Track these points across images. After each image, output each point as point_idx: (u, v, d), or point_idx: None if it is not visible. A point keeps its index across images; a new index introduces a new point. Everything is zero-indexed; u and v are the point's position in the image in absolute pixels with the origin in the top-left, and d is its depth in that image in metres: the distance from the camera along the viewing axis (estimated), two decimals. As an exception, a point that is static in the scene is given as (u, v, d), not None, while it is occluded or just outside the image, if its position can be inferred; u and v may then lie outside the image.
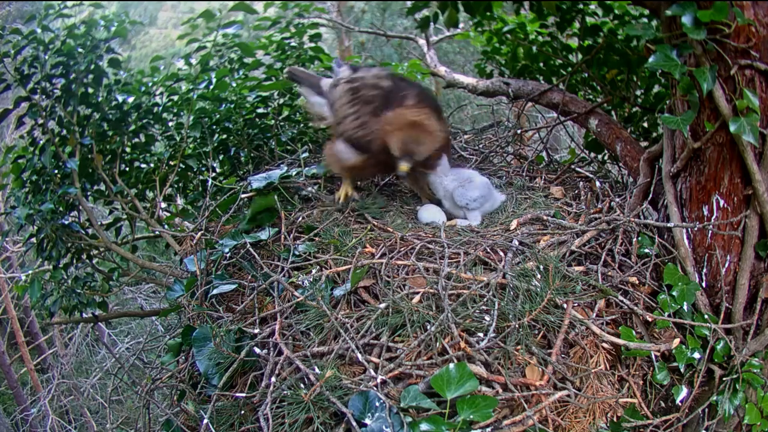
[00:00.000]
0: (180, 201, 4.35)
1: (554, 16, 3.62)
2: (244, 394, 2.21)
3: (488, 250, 2.57)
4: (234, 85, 3.84)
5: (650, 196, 2.84)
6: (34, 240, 3.72)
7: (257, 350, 2.29)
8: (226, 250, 2.70)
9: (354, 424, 1.94)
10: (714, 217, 2.57)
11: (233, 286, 2.61)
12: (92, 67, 3.38)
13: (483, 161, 3.74)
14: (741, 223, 2.52)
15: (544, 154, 3.84)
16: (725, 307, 2.54)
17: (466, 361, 2.11)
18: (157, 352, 4.19)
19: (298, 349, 2.27)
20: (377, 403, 1.99)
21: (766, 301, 2.57)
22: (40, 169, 3.50)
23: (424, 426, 1.94)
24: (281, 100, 4.04)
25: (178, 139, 3.85)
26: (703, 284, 2.62)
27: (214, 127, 3.94)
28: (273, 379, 2.14)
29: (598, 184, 3.16)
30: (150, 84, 3.82)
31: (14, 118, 3.60)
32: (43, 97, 3.37)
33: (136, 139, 3.91)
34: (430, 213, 3.01)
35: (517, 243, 2.59)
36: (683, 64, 2.37)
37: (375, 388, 2.04)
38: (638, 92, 3.57)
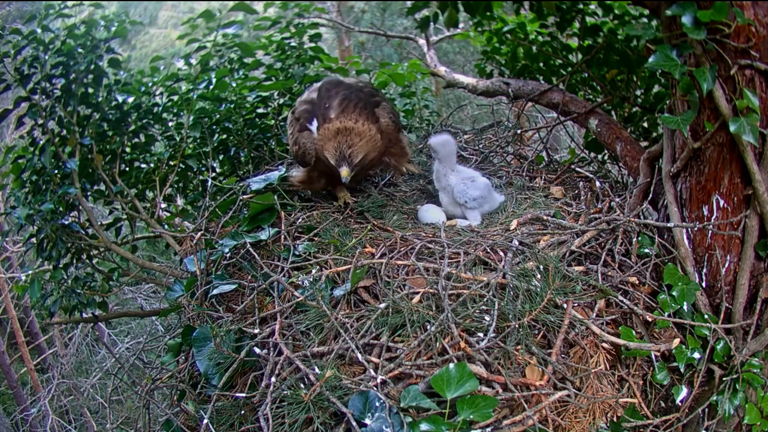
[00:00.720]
0: (180, 201, 4.35)
1: (554, 16, 3.62)
2: (244, 394, 2.21)
3: (488, 250, 2.57)
4: (234, 85, 3.84)
5: (650, 196, 2.83)
6: (34, 240, 3.72)
7: (257, 350, 2.29)
8: (226, 250, 2.70)
9: (354, 424, 1.95)
10: (714, 217, 2.57)
11: (233, 286, 2.61)
12: (92, 67, 3.38)
13: (483, 161, 3.74)
14: (741, 223, 2.52)
15: (544, 154, 3.85)
16: (725, 307, 2.54)
17: (466, 361, 2.11)
18: (157, 352, 4.19)
19: (298, 349, 2.27)
20: (377, 403, 1.99)
21: (766, 301, 2.57)
22: (40, 169, 3.50)
23: (424, 426, 1.94)
24: (281, 100, 4.04)
25: (178, 139, 3.85)
26: (703, 284, 2.62)
27: (214, 127, 3.94)
28: (273, 379, 2.14)
29: (598, 184, 3.16)
30: (150, 84, 3.82)
31: (14, 118, 3.60)
32: (43, 97, 3.37)
33: (136, 139, 3.91)
34: (430, 213, 3.02)
35: (517, 243, 2.59)
36: (683, 64, 2.37)
37: (375, 388, 2.04)
38: (638, 92, 3.57)
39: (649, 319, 2.43)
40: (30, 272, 4.13)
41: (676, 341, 2.43)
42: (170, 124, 3.96)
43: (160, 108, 3.86)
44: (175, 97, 3.85)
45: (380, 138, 2.87)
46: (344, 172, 2.72)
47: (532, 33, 3.95)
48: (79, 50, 3.31)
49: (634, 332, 2.39)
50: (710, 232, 2.58)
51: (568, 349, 2.34)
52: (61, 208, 3.58)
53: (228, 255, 2.73)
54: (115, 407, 8.48)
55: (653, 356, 2.43)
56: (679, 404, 2.45)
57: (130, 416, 7.84)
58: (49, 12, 3.28)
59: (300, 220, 2.84)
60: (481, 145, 3.93)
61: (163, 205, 4.14)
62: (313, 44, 4.01)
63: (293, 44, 3.96)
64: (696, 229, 2.61)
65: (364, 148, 2.77)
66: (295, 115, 3.02)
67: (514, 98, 3.79)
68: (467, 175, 3.07)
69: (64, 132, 3.49)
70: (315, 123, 2.88)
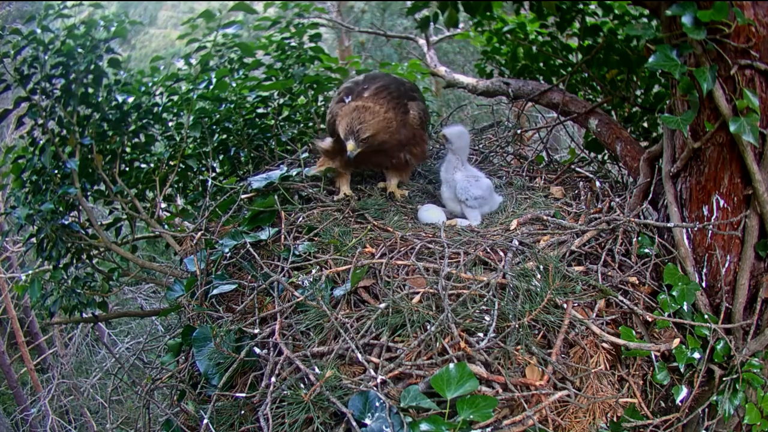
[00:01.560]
0: (180, 201, 4.35)
1: (554, 16, 3.62)
2: (244, 394, 2.21)
3: (488, 250, 2.57)
4: (234, 85, 3.84)
5: (650, 196, 2.84)
6: (34, 240, 3.72)
7: (257, 350, 2.29)
8: (226, 250, 2.70)
9: (354, 424, 1.95)
10: (714, 217, 2.57)
11: (233, 286, 2.61)
12: (92, 67, 3.38)
13: (483, 161, 3.74)
14: (741, 223, 2.52)
15: (544, 154, 3.85)
16: (725, 307, 2.54)
17: (466, 361, 2.11)
18: (157, 352, 4.19)
19: (298, 349, 2.27)
20: (377, 403, 1.99)
21: (766, 301, 2.57)
22: (40, 169, 3.50)
23: (424, 426, 1.94)
24: (281, 100, 4.04)
25: (178, 139, 3.85)
26: (703, 284, 2.62)
27: (214, 127, 3.94)
28: (273, 379, 2.14)
29: (598, 184, 3.16)
30: (150, 84, 3.82)
31: (14, 118, 3.60)
32: (43, 97, 3.37)
33: (136, 139, 3.91)
34: (430, 213, 3.02)
35: (517, 243, 2.59)
36: (683, 64, 2.37)
37: (375, 388, 2.04)
38: (638, 92, 3.57)
39: (649, 319, 2.43)
40: (30, 272, 4.13)
41: (676, 341, 2.43)
42: (170, 124, 3.96)
43: (160, 108, 3.85)
44: (175, 97, 3.84)
45: (396, 124, 2.94)
46: (350, 146, 2.81)
47: (532, 33, 3.95)
48: (79, 50, 3.31)
49: (634, 332, 2.39)
50: (710, 232, 2.58)
51: (568, 349, 2.34)
52: (61, 208, 3.58)
53: (228, 255, 2.73)
54: (115, 407, 8.48)
55: (653, 356, 2.43)
56: (679, 404, 2.45)
57: (130, 416, 7.85)
58: (49, 12, 3.28)
59: (300, 219, 2.84)
60: (481, 145, 3.93)
61: (163, 205, 4.14)
62: (313, 44, 4.01)
63: (293, 44, 3.95)
64: (696, 229, 2.61)
65: (373, 126, 2.84)
66: (338, 90, 3.20)
67: (514, 98, 3.79)
68: (472, 173, 3.08)
69: (64, 132, 3.49)
70: (350, 99, 3.00)
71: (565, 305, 2.32)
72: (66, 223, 3.67)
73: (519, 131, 3.96)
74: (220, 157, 4.13)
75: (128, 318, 9.23)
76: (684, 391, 2.44)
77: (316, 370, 2.13)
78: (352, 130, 2.80)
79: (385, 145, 2.98)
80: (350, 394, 2.03)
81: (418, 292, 2.34)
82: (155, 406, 2.84)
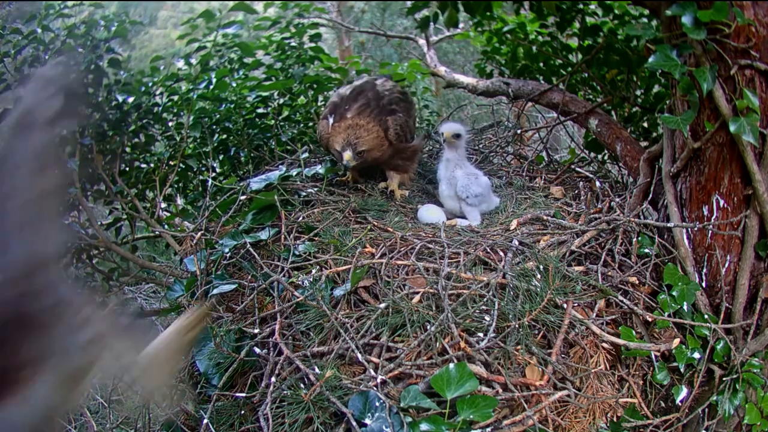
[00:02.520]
0: (180, 201, 4.35)
1: (554, 16, 3.62)
2: (244, 394, 2.21)
3: (488, 250, 2.57)
4: (234, 85, 3.84)
5: (650, 196, 2.83)
6: (34, 240, 3.70)
7: (257, 350, 2.29)
8: (226, 250, 2.70)
9: (354, 424, 1.95)
10: (714, 217, 2.57)
11: (233, 286, 2.61)
12: (92, 67, 3.38)
13: (483, 161, 3.74)
14: (741, 223, 2.52)
15: (544, 154, 3.85)
16: (725, 307, 2.54)
17: (466, 361, 2.11)
18: (157, 352, 4.18)
19: (298, 349, 2.27)
20: (377, 403, 1.99)
21: (766, 301, 2.57)
22: (40, 169, 3.50)
23: (424, 426, 1.94)
24: (281, 100, 4.04)
25: (178, 139, 3.85)
26: (703, 284, 2.62)
27: (214, 127, 3.94)
28: (273, 379, 2.14)
29: (598, 184, 3.16)
30: (150, 84, 3.82)
31: (14, 118, 3.59)
32: (43, 97, 3.37)
33: (136, 139, 3.91)
34: (430, 213, 3.02)
35: (517, 243, 2.59)
36: (683, 64, 2.37)
37: (375, 388, 2.04)
38: (638, 92, 3.57)
39: (649, 319, 2.43)
40: (30, 272, 4.12)
41: (676, 341, 2.43)
42: (170, 124, 3.96)
43: (160, 108, 3.85)
44: (175, 97, 3.84)
45: (387, 143, 3.08)
46: (347, 155, 2.96)
47: (532, 33, 3.95)
48: (79, 50, 3.31)
49: (634, 332, 2.39)
50: (710, 232, 2.58)
51: (568, 349, 2.34)
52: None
53: (228, 255, 2.73)
54: (115, 407, 8.47)
55: (653, 356, 2.43)
56: (679, 404, 2.45)
57: (130, 416, 7.83)
58: (49, 12, 3.29)
59: (300, 219, 2.84)
60: (481, 145, 3.93)
61: (163, 205, 4.14)
62: (313, 44, 4.01)
63: (293, 44, 3.96)
64: (696, 229, 2.61)
65: (369, 142, 3.00)
66: (327, 103, 3.34)
67: (514, 98, 3.79)
68: (472, 171, 3.10)
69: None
70: (332, 118, 3.12)
71: (565, 305, 2.32)
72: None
73: (519, 131, 3.97)
74: (220, 157, 4.12)
75: (128, 318, 9.21)
76: (684, 391, 2.44)
77: (316, 370, 2.13)
78: (350, 143, 2.97)
79: (378, 161, 3.16)
80: (350, 394, 2.03)
81: (418, 292, 2.33)
82: (155, 406, 2.84)
